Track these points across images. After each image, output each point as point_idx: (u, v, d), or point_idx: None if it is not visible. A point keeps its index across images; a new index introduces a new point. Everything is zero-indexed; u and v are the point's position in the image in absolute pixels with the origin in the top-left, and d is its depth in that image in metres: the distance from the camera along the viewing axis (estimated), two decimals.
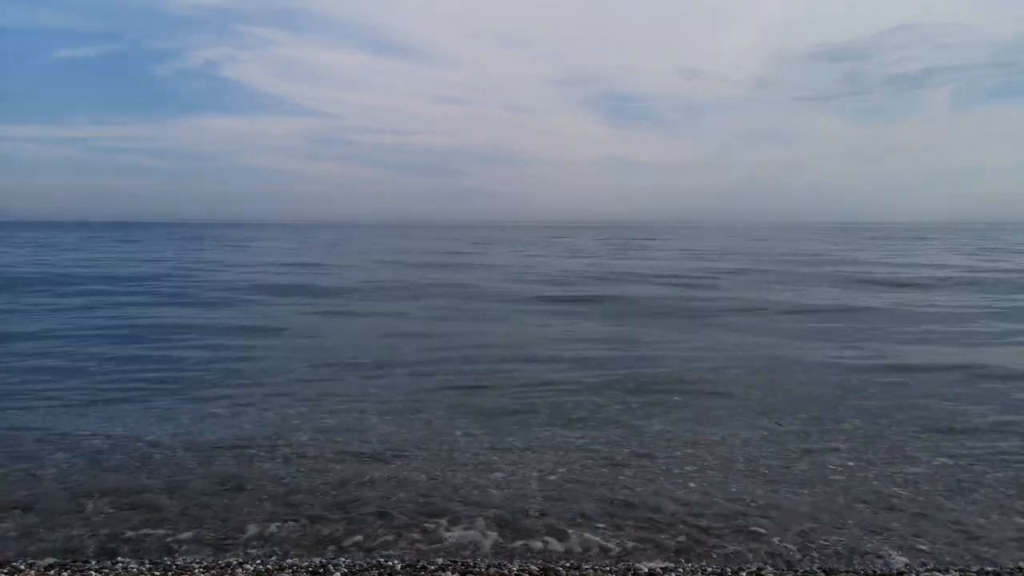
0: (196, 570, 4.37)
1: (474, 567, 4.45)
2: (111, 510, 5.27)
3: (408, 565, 4.46)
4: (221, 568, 4.39)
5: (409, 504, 5.39)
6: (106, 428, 7.25)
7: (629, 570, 4.43)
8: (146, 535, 4.90)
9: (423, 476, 5.97)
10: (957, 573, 4.42)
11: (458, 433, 7.17)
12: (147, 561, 4.49)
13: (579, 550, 4.74)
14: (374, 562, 4.50)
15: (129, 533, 4.92)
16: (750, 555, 4.66)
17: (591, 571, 4.41)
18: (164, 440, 6.86)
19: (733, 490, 5.67)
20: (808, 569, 4.47)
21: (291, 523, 5.09)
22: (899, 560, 4.59)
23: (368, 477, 5.95)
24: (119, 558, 4.55)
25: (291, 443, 6.80)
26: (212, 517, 5.16)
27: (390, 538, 4.89)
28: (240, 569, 4.37)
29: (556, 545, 4.80)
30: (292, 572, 4.35)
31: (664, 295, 20.85)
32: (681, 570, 4.44)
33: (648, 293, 21.33)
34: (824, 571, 4.43)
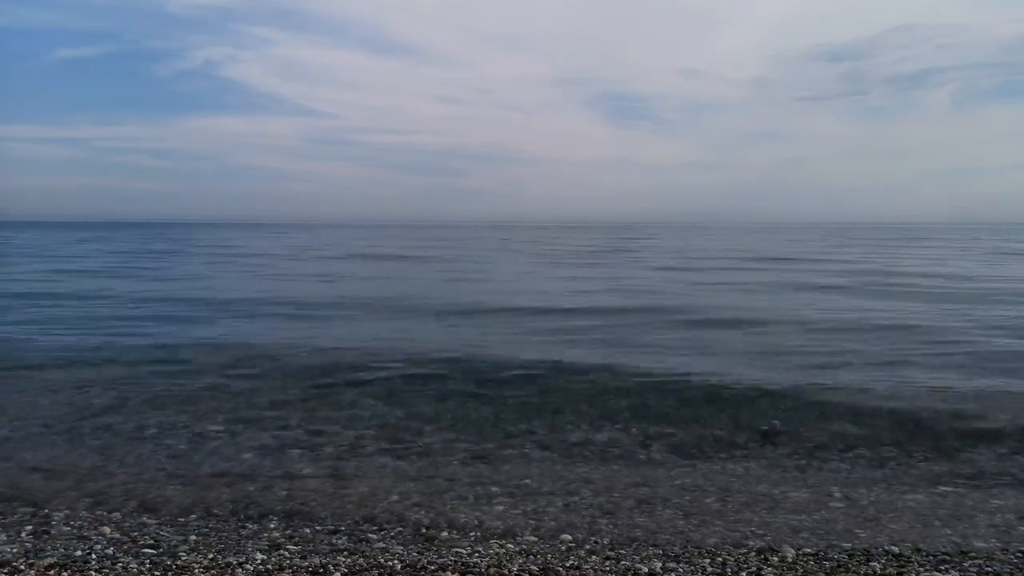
0: (196, 570, 4.38)
1: (474, 567, 4.46)
2: None
3: (408, 565, 4.47)
4: (221, 568, 4.40)
5: None
6: None
7: (629, 570, 4.44)
8: None
9: None
10: (957, 573, 4.43)
11: None
12: (147, 561, 4.50)
13: None
14: (374, 562, 4.51)
15: None
16: None
17: (591, 571, 4.42)
18: None
19: None
20: (808, 569, 4.48)
21: None
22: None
23: None
24: (119, 557, 4.56)
25: None
26: None
27: None
28: (240, 569, 4.38)
29: None
30: (292, 572, 4.36)
31: None
32: (681, 570, 4.45)
33: None
34: (825, 572, 4.44)
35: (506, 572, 4.40)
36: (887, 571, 4.44)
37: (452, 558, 4.59)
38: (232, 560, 4.51)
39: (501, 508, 5.59)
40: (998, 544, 4.89)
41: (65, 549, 4.67)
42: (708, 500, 5.77)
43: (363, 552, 4.68)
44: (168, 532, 5.01)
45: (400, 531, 5.10)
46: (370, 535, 5.01)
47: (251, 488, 5.97)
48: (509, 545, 4.83)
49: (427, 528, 5.16)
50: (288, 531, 5.06)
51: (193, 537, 4.92)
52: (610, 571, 4.43)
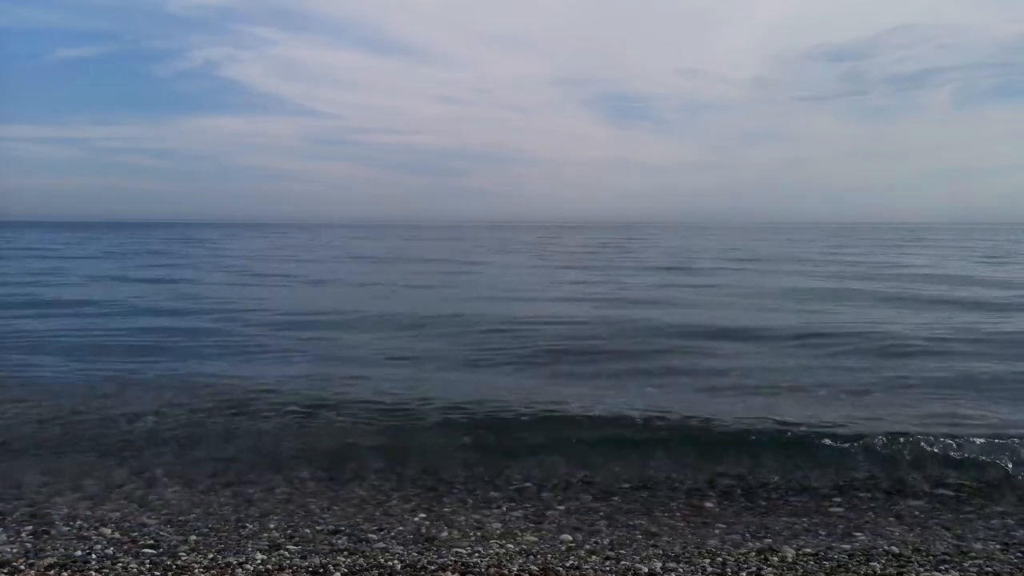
0: (196, 570, 4.38)
1: (474, 567, 4.46)
2: None
3: (408, 565, 4.47)
4: (221, 568, 4.40)
5: None
6: None
7: (629, 570, 4.44)
8: None
9: None
10: (957, 573, 4.43)
11: None
12: (147, 561, 4.50)
13: None
14: (374, 562, 4.51)
15: None
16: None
17: (591, 571, 4.42)
18: None
19: None
20: (808, 569, 4.48)
21: None
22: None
23: None
24: (119, 557, 4.56)
25: None
26: None
27: None
28: (240, 569, 4.38)
29: None
30: (292, 572, 4.36)
31: None
32: (681, 570, 4.45)
33: None
34: (825, 572, 4.44)
35: (506, 572, 4.40)
36: (887, 571, 4.44)
37: (452, 558, 4.59)
38: (232, 560, 4.51)
39: (501, 509, 5.59)
40: (998, 545, 4.89)
41: (65, 549, 4.67)
42: (708, 503, 5.77)
43: (363, 552, 4.68)
44: (168, 532, 5.01)
45: (400, 531, 5.10)
46: (370, 535, 5.01)
47: (251, 489, 5.97)
48: (509, 545, 4.83)
49: (427, 528, 5.16)
50: (288, 531, 5.06)
51: (193, 537, 4.92)
52: (610, 571, 4.43)
